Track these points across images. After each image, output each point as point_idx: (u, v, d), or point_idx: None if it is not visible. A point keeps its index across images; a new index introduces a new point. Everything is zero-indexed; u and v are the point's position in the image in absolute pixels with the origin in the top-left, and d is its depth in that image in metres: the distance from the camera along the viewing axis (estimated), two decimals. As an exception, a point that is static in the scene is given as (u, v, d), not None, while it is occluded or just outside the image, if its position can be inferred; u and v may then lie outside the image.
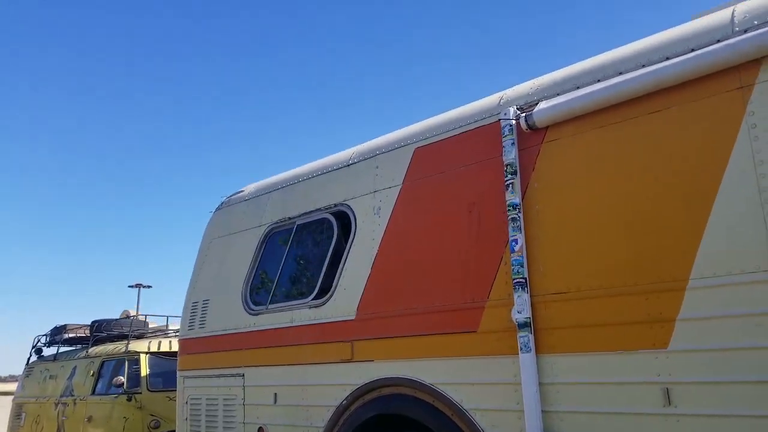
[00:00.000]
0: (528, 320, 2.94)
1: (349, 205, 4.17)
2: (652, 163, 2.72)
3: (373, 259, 3.87)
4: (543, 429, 2.84)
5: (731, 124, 2.49)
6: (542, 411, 2.86)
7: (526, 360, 2.91)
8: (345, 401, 3.79)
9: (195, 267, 5.52)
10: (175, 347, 7.60)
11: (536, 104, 3.22)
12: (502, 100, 3.47)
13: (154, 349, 7.29)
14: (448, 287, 3.39)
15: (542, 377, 2.89)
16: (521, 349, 2.93)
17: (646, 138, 2.76)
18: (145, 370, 7.07)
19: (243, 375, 4.60)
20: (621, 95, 2.84)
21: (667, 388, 2.51)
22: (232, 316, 4.86)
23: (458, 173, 3.52)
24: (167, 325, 8.38)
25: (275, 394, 4.30)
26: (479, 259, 3.27)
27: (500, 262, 3.17)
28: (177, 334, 8.29)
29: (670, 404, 2.50)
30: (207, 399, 4.89)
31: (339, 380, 3.87)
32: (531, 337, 2.92)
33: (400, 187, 3.85)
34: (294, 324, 4.29)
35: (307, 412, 4.05)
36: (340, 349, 3.90)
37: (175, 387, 7.30)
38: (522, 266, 3.00)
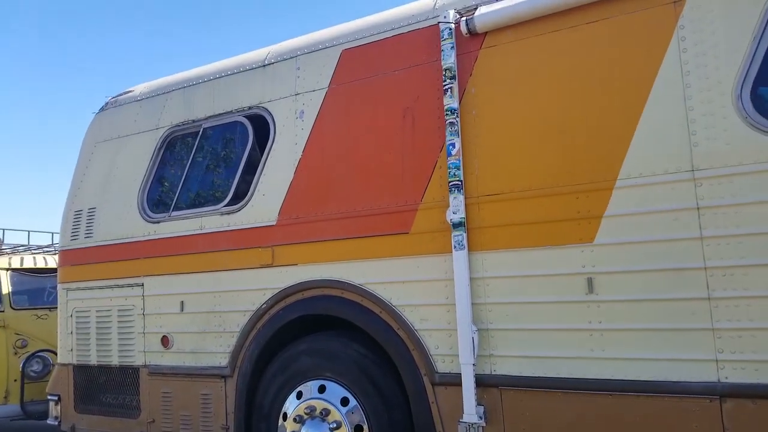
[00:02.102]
0: (462, 220, 3.06)
1: (266, 108, 3.97)
2: (587, 70, 2.89)
3: (296, 164, 3.76)
4: (472, 319, 3.02)
5: (663, 35, 2.71)
6: (472, 303, 3.04)
7: (460, 257, 3.05)
8: (264, 305, 3.75)
9: (76, 173, 5.00)
10: (41, 263, 6.96)
11: (475, 9, 3.24)
12: (437, 4, 3.44)
13: (16, 265, 6.59)
14: (379, 192, 3.41)
15: (473, 273, 3.06)
16: (455, 247, 3.06)
17: (583, 46, 2.91)
18: (7, 287, 6.39)
19: (142, 285, 4.34)
20: (561, 4, 2.95)
21: (591, 278, 2.78)
22: (126, 224, 4.51)
23: (391, 77, 3.48)
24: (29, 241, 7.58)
25: (182, 302, 4.13)
26: (413, 163, 3.31)
27: (434, 166, 3.23)
28: (42, 249, 7.58)
29: (592, 292, 2.78)
30: (97, 311, 4.56)
31: (258, 285, 3.79)
32: (465, 235, 3.05)
33: (326, 90, 3.72)
34: (204, 231, 4.09)
35: (219, 318, 3.95)
36: (260, 255, 3.81)
37: (43, 305, 6.77)
38: (458, 169, 3.09)
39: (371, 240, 3.40)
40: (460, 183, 3.08)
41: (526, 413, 2.93)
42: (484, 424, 3.00)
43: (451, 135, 3.13)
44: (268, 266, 3.77)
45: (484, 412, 3.01)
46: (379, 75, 3.53)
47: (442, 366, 3.15)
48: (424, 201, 3.24)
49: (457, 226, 3.07)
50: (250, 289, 3.83)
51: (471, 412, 3.00)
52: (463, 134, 3.15)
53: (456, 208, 3.07)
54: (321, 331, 3.70)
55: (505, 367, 2.99)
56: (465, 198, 3.08)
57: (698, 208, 2.56)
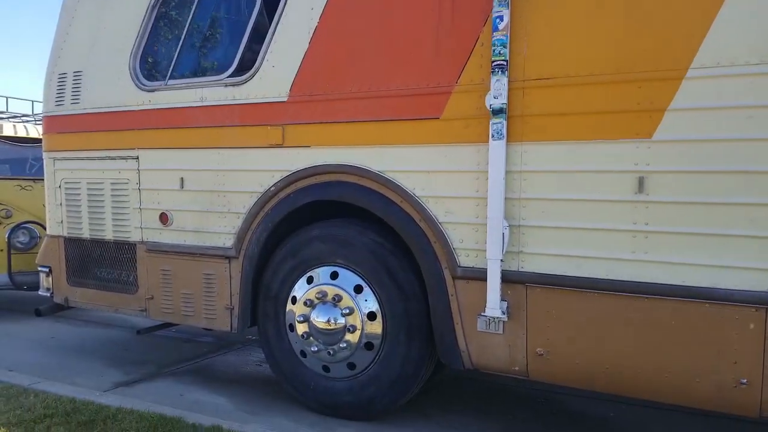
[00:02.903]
0: (504, 107, 2.77)
1: (277, -37, 3.46)
2: (667, -61, 2.48)
3: (311, 33, 3.35)
4: (504, 215, 2.83)
5: None
6: (505, 198, 2.83)
7: (497, 147, 2.79)
8: (273, 187, 3.50)
9: (58, 32, 4.48)
10: (22, 132, 6.54)
11: None
12: None
13: (-6, 132, 6.17)
14: (407, 70, 3.06)
15: (509, 166, 2.82)
16: (493, 136, 2.80)
17: None
18: (-15, 156, 6.02)
19: (137, 158, 4.03)
20: None
21: (642, 177, 2.57)
22: (117, 91, 4.10)
23: (429, -67, 3.00)
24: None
25: (182, 178, 3.86)
26: (450, 38, 2.94)
27: (476, 42, 2.87)
28: (21, 117, 7.11)
29: (641, 192, 2.57)
30: (88, 183, 4.28)
31: (267, 166, 3.52)
32: (505, 124, 2.77)
33: (349, -56, 3.23)
34: (206, 103, 3.72)
35: (223, 198, 3.71)
36: (269, 134, 3.50)
37: (26, 176, 6.43)
38: (504, 47, 2.75)
39: (395, 124, 3.11)
40: (504, 63, 2.75)
41: (552, 311, 2.83)
42: (506, 319, 2.91)
43: (499, 5, 2.75)
44: (277, 146, 3.48)
45: (507, 307, 2.90)
46: (414, -70, 3.04)
47: (466, 260, 3.00)
48: (460, 83, 2.91)
49: (497, 112, 2.78)
50: (258, 169, 3.56)
51: (494, 306, 2.89)
52: (513, 6, 2.76)
53: (498, 92, 2.76)
54: (334, 218, 3.50)
55: (535, 264, 2.84)
56: (509, 81, 2.76)
57: (776, 107, 2.31)
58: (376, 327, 3.28)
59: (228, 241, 3.72)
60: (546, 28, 2.72)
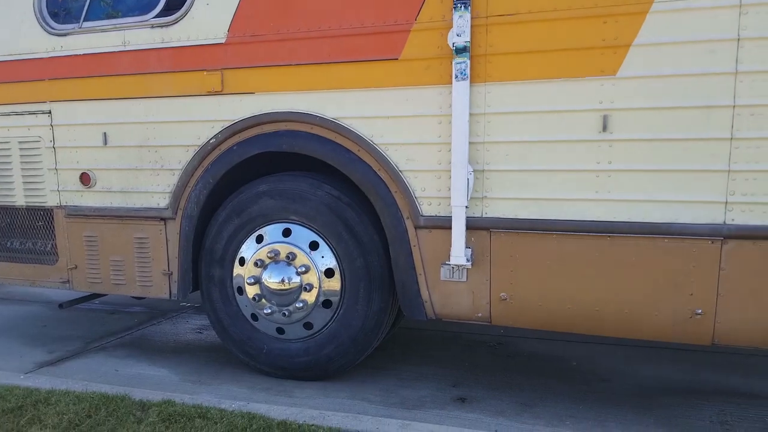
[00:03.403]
0: (467, 45, 2.66)
1: None
2: None
3: (250, -34, 3.06)
4: (469, 160, 2.75)
5: None
6: (469, 143, 2.74)
7: (461, 89, 2.69)
8: (213, 140, 3.23)
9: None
10: None
11: None
12: None
13: None
14: (362, 6, 2.86)
15: (472, 108, 2.73)
16: (456, 76, 2.69)
17: None
18: None
19: (49, 112, 3.59)
20: None
21: (607, 115, 2.56)
22: (20, 36, 3.61)
23: None
24: None
25: (104, 134, 3.48)
26: (407, -29, 2.76)
27: (435, -23, 2.72)
28: None
29: (605, 130, 2.57)
30: (-10, 144, 3.78)
31: (205, 116, 3.24)
32: (468, 63, 2.67)
33: None
34: (130, 48, 3.35)
35: (155, 154, 3.39)
36: (205, 80, 3.20)
37: None
38: (467, -19, 2.61)
39: (350, 66, 2.92)
40: (467, -1, 2.63)
41: (516, 255, 2.81)
42: (470, 266, 2.86)
43: (459, -62, 2.60)
44: (216, 94, 3.19)
45: (471, 254, 2.85)
46: None
47: (428, 209, 2.91)
48: (419, 20, 2.76)
49: (460, 51, 2.66)
50: (195, 120, 3.27)
51: (459, 254, 2.83)
52: (473, -62, 2.63)
53: (461, 29, 2.64)
54: (283, 172, 3.28)
55: (499, 209, 2.80)
56: (471, 18, 2.64)
57: (738, 39, 2.34)
58: (334, 284, 3.14)
59: (162, 201, 3.42)
60: (509, -39, 2.61)
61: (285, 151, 3.10)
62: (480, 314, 2.93)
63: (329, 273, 3.14)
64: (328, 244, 3.13)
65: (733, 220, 2.48)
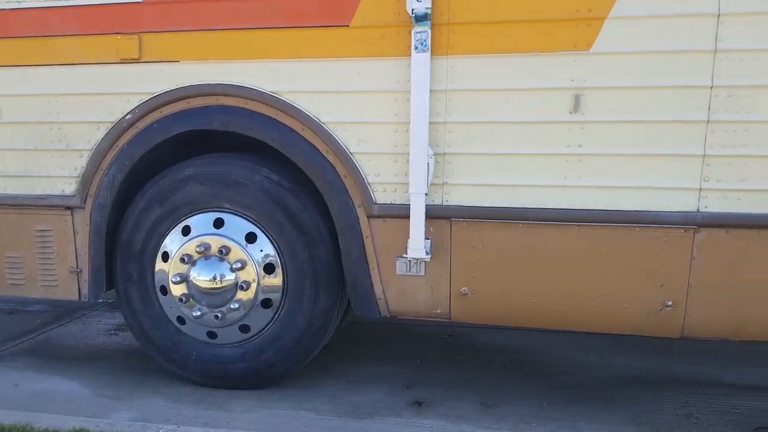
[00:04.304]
0: (428, 12, 2.36)
1: None
2: None
3: None
4: (429, 142, 2.48)
5: None
6: (429, 122, 2.47)
7: (421, 61, 2.40)
8: (129, 115, 2.78)
9: None
10: None
11: None
12: None
13: None
14: (306, -37, 2.50)
15: (433, 84, 2.45)
16: (416, 47, 2.40)
17: None
18: None
19: None
20: None
21: (579, 95, 2.36)
22: None
23: None
24: None
25: (-5, 107, 2.93)
26: (359, -75, 2.43)
27: (392, -67, 2.40)
28: None
29: (577, 111, 2.37)
30: None
31: (119, 88, 2.78)
32: (429, 33, 2.38)
33: None
34: (25, 5, 2.81)
35: (60, 132, 2.89)
36: (120, 45, 2.74)
37: None
38: (429, -62, 2.32)
39: (293, 32, 2.56)
40: (428, -40, 2.33)
41: (479, 247, 2.58)
42: (429, 259, 2.61)
43: None
44: (133, 61, 2.74)
45: (430, 246, 2.60)
46: None
47: (383, 196, 2.62)
48: (370, -18, 2.43)
49: (420, 19, 2.37)
50: (107, 92, 2.80)
51: (418, 246, 2.57)
52: None
53: (421, -7, 2.35)
54: (212, 153, 2.88)
55: (460, 196, 2.55)
56: (434, -19, 2.35)
57: (719, 15, 2.19)
58: (275, 280, 2.79)
59: (68, 187, 2.93)
60: None
61: (217, 130, 2.70)
62: (439, 310, 2.69)
63: (269, 268, 2.78)
64: (267, 236, 2.77)
65: (706, 207, 2.35)
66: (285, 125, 2.64)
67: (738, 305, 2.42)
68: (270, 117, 2.64)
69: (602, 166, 2.41)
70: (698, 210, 2.36)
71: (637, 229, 2.43)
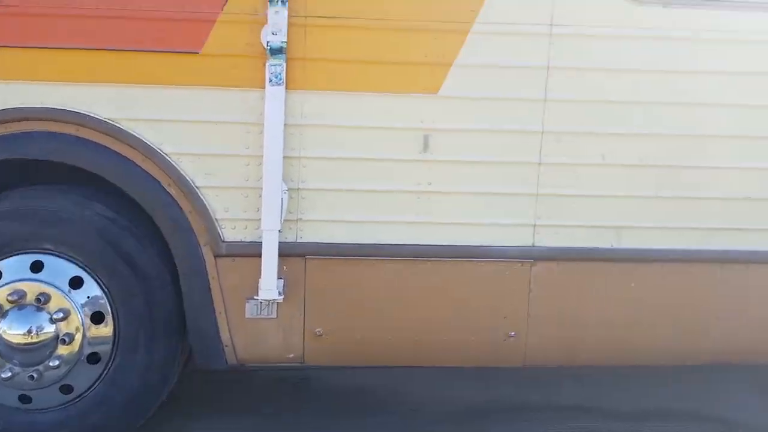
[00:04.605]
0: (283, 46, 2.34)
1: None
2: None
3: None
4: (282, 176, 2.41)
5: None
6: (283, 156, 2.41)
7: (276, 94, 2.35)
8: (-71, 139, 2.34)
9: None
10: None
11: None
12: None
13: None
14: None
15: (287, 118, 2.41)
16: (270, 80, 2.34)
17: None
18: None
19: None
20: None
21: (428, 135, 2.47)
22: None
23: None
24: None
25: None
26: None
27: (249, -37, 2.37)
28: None
29: (426, 151, 2.47)
30: None
31: None
32: (285, 66, 2.35)
33: None
34: None
35: None
36: None
37: None
38: (285, -26, 2.32)
39: (138, 57, 2.36)
40: (286, -7, 2.33)
41: (333, 284, 2.54)
42: (281, 300, 2.49)
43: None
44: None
45: (283, 286, 2.49)
46: None
47: (232, 233, 2.47)
48: (228, 10, 2.34)
49: (275, 52, 2.33)
50: None
51: (270, 287, 2.44)
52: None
53: (277, 27, 2.31)
54: (33, 185, 2.52)
55: (315, 233, 2.50)
56: (289, 16, 2.34)
57: (548, 68, 2.45)
58: (104, 330, 2.46)
59: None
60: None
61: (39, 159, 2.37)
62: (292, 354, 2.57)
63: (97, 317, 2.46)
64: (96, 280, 2.45)
65: (540, 242, 2.55)
66: (122, 155, 2.39)
67: (569, 333, 2.64)
68: (105, 146, 2.38)
69: (450, 203, 2.52)
70: (534, 245, 2.55)
71: (483, 263, 2.56)
